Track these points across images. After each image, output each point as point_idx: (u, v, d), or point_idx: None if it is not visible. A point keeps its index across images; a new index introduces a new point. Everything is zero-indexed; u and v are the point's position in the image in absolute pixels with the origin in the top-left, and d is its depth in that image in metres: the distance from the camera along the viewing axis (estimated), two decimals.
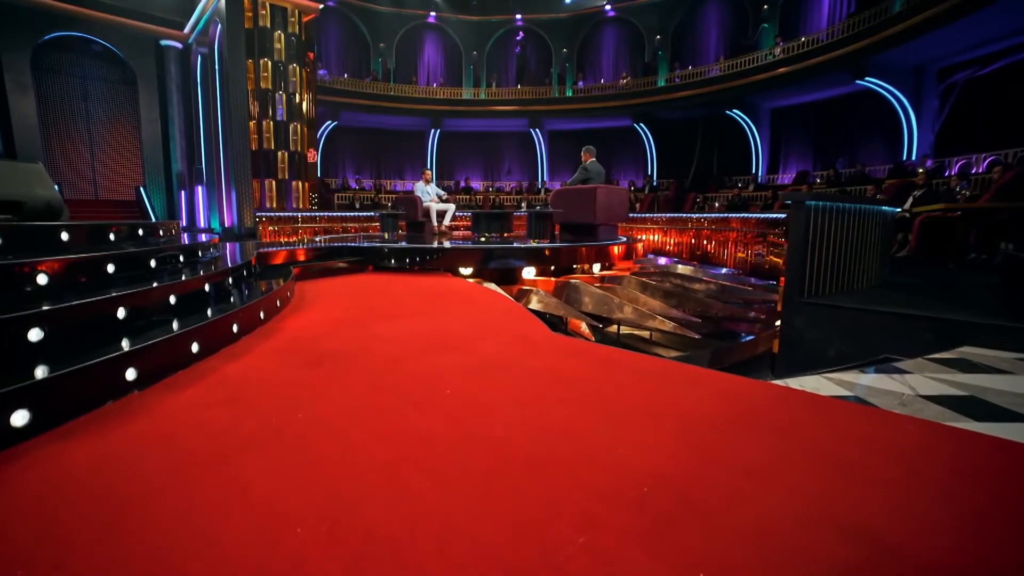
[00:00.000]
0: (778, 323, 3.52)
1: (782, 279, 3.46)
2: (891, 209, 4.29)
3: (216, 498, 1.13)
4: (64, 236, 2.47)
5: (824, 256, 3.42)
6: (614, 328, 5.13)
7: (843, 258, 3.60)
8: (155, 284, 2.51)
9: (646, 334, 5.22)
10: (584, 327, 4.80)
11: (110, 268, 2.42)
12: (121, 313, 2.07)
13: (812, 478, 1.23)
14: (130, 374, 1.76)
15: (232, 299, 3.09)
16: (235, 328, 2.51)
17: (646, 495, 1.17)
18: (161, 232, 3.74)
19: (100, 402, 1.64)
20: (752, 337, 5.00)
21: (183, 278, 2.91)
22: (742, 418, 1.63)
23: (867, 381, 2.08)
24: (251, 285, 3.62)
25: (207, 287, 2.86)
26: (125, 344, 1.95)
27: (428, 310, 3.57)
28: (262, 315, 2.91)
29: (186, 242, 3.89)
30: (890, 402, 1.82)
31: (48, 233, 2.40)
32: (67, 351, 1.71)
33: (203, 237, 4.65)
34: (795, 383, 2.08)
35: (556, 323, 4.70)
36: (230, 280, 3.22)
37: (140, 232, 3.28)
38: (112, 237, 2.90)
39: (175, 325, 2.31)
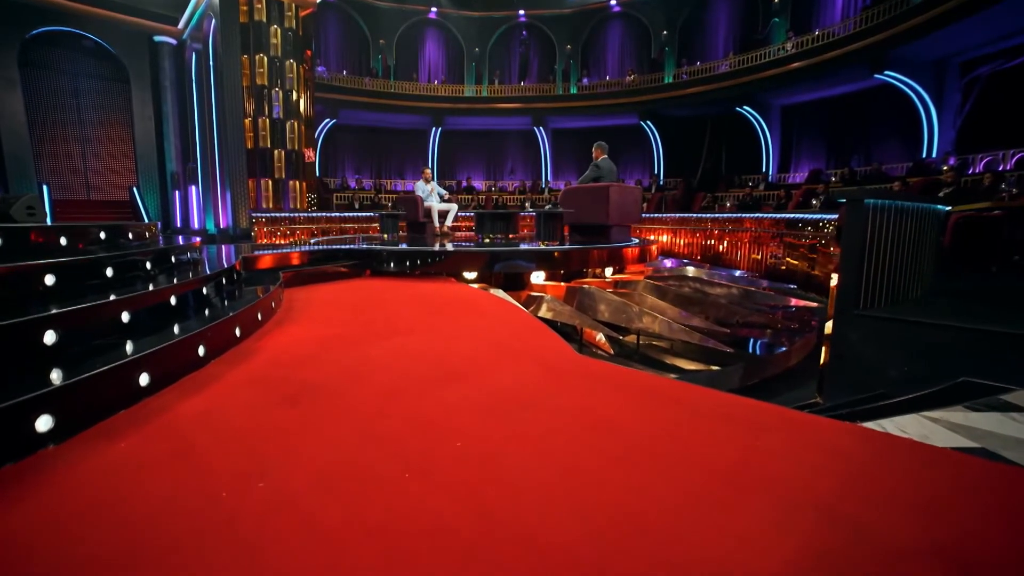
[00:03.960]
0: (827, 328, 3.09)
1: (833, 287, 3.05)
2: (944, 208, 3.87)
3: None
4: None
5: (881, 262, 3.01)
6: (632, 338, 4.72)
7: (900, 264, 3.18)
8: (112, 297, 2.11)
9: (667, 344, 4.81)
10: (601, 337, 4.38)
11: (49, 280, 2.01)
12: (49, 338, 1.65)
13: None
14: (43, 423, 1.35)
15: (206, 313, 2.69)
16: (201, 351, 2.10)
17: None
18: (131, 235, 3.33)
19: None
20: (784, 348, 4.59)
21: (151, 287, 2.51)
22: (852, 486, 1.22)
23: (982, 423, 1.66)
24: (231, 295, 3.21)
25: (173, 300, 2.45)
26: (55, 378, 1.55)
27: (431, 324, 3.16)
28: (238, 332, 2.50)
29: (162, 245, 3.49)
30: None
31: None
32: None
33: (197, 240, 4.24)
34: (890, 425, 1.67)
35: (570, 333, 4.28)
36: (204, 290, 2.81)
37: (103, 235, 2.87)
38: (64, 242, 2.49)
39: (128, 348, 1.91)
